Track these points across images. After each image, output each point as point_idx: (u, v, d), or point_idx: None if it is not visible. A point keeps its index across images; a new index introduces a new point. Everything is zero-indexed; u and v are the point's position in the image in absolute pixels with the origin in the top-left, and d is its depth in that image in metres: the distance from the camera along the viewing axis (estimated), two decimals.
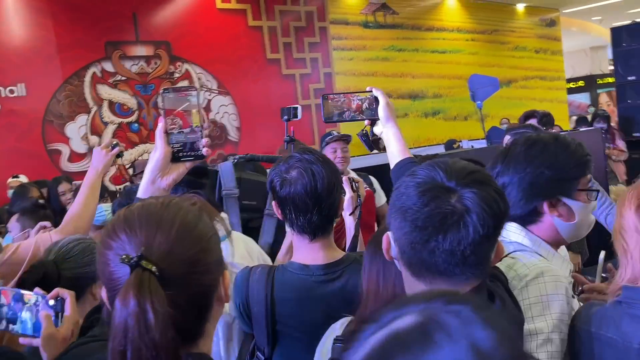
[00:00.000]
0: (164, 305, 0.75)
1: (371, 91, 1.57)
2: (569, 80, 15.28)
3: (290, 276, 1.52)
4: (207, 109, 7.43)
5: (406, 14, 9.34)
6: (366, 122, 1.60)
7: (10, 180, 5.26)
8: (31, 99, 6.21)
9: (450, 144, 6.42)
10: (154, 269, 0.76)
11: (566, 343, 1.25)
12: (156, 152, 1.27)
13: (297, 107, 1.58)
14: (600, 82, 17.45)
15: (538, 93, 11.38)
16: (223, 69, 7.49)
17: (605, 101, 15.66)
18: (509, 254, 1.30)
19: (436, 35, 9.77)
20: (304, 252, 1.56)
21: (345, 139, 3.78)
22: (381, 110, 1.54)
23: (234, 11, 7.63)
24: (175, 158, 1.24)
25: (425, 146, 8.27)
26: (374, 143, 2.31)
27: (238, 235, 2.14)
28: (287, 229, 1.61)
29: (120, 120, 6.81)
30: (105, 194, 4.75)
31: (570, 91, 15.01)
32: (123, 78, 6.83)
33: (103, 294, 0.87)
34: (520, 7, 11.01)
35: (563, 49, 12.52)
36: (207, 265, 0.85)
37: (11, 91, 6.10)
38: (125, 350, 0.73)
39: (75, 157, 6.50)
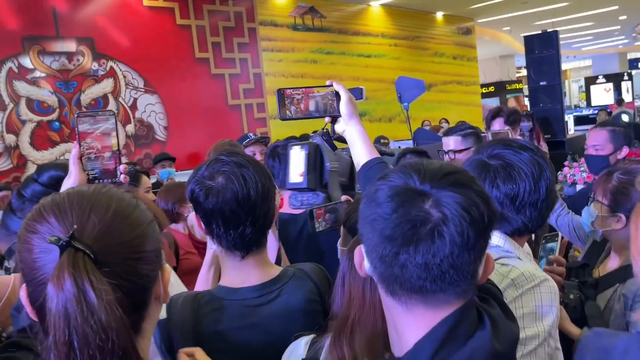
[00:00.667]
0: (105, 283, 0.66)
1: (331, 85, 1.43)
2: (481, 86, 16.09)
3: (218, 304, 1.29)
4: (134, 107, 7.15)
5: (333, 18, 9.43)
6: (327, 119, 1.45)
7: None
8: None
9: (378, 140, 6.51)
10: (87, 250, 0.68)
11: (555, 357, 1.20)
12: (69, 179, 1.17)
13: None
14: (509, 87, 18.69)
15: (455, 97, 11.85)
16: (150, 68, 7.23)
17: (513, 105, 16.69)
18: (497, 259, 1.22)
19: (362, 39, 9.92)
20: (234, 272, 1.33)
21: (264, 141, 3.67)
22: (343, 106, 1.41)
23: (161, 9, 7.38)
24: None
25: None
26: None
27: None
28: (212, 246, 1.37)
29: (39, 118, 6.40)
30: None
31: (482, 96, 15.80)
32: (43, 74, 6.43)
33: (22, 294, 0.75)
34: (439, 16, 11.41)
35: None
36: (144, 253, 0.77)
37: None
38: (71, 340, 0.64)
39: None
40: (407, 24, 10.69)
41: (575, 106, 22.60)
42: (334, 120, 1.45)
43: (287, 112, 1.39)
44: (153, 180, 4.94)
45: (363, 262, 0.83)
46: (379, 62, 10.16)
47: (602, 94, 20.33)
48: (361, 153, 1.42)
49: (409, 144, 5.72)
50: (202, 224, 1.31)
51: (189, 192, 1.30)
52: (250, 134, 3.81)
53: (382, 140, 6.37)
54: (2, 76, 6.12)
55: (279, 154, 2.36)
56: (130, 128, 7.12)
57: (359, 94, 1.55)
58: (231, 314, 1.27)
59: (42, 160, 6.32)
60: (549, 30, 6.53)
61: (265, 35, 8.46)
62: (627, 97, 19.79)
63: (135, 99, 7.15)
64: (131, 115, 7.12)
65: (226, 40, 7.99)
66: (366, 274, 0.84)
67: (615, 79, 21.02)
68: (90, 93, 6.78)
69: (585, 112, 17.24)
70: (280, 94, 1.39)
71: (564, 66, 24.26)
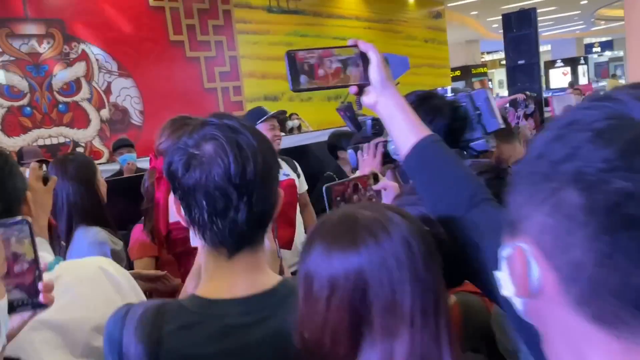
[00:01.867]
0: None
1: (356, 46, 1.05)
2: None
3: (189, 320, 0.91)
4: (108, 91, 6.80)
5: (308, 1, 9.17)
6: (351, 89, 1.05)
7: None
8: None
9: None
10: None
11: None
12: None
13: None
14: (474, 71, 18.92)
15: (427, 79, 11.70)
16: (124, 50, 6.87)
17: (478, 88, 17.00)
18: None
19: (336, 22, 9.69)
20: (216, 277, 0.96)
21: (282, 114, 3.31)
22: (375, 72, 1.02)
23: None
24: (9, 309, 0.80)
25: (330, 128, 8.16)
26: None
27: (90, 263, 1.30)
28: (195, 239, 0.98)
29: (10, 103, 6.01)
30: None
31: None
32: (12, 58, 6.03)
33: None
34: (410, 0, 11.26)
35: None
36: None
37: None
38: None
39: None
40: (380, 7, 10.50)
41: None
42: (361, 90, 1.05)
43: (300, 81, 1.03)
44: (116, 167, 4.65)
45: (529, 269, 0.45)
46: None
47: (560, 78, 20.61)
48: (405, 130, 1.00)
49: None
50: (182, 209, 0.95)
51: (165, 165, 0.94)
52: (263, 106, 3.20)
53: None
54: None
55: None
56: (104, 113, 6.78)
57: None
58: (205, 334, 0.90)
59: (14, 147, 5.95)
60: (526, 8, 6.39)
61: (241, 17, 8.16)
62: (583, 79, 20.21)
63: (109, 83, 6.80)
64: (105, 100, 6.78)
65: (201, 22, 7.66)
66: (527, 292, 0.46)
67: (572, 63, 21.39)
68: (62, 77, 6.41)
69: (545, 95, 17.50)
70: (291, 58, 1.02)
71: None
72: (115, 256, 2.12)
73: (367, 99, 1.05)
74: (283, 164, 3.07)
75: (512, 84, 6.57)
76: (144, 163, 4.75)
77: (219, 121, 0.92)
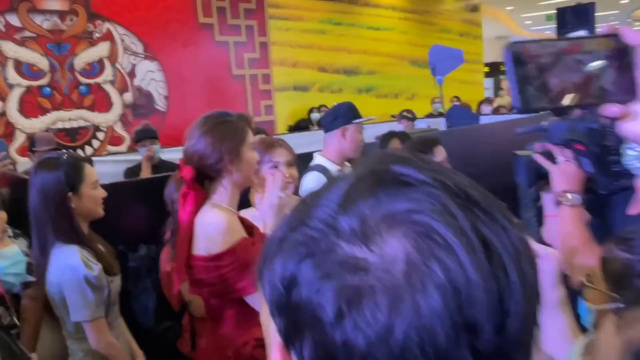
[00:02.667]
0: None
1: (613, 35, 0.57)
2: None
3: None
4: (132, 74, 6.36)
5: None
6: (608, 111, 0.57)
7: None
8: None
9: (401, 114, 5.68)
10: None
11: None
12: None
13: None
14: (503, 69, 18.16)
15: (460, 75, 11.06)
16: (150, 32, 6.41)
17: (507, 86, 16.54)
18: None
19: (371, 11, 9.12)
20: None
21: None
22: None
23: None
24: None
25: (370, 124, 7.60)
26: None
27: None
28: None
29: (29, 83, 5.60)
30: None
31: None
32: (32, 35, 5.61)
33: None
34: None
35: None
36: None
37: None
38: None
39: None
40: None
41: None
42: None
43: (529, 95, 0.57)
44: (138, 157, 4.17)
45: None
46: (387, 36, 9.38)
47: None
48: None
49: (441, 122, 4.99)
50: None
51: (275, 283, 0.41)
52: (354, 105, 2.64)
53: (404, 114, 5.58)
54: None
55: None
56: (128, 96, 6.35)
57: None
58: None
59: (31, 129, 5.56)
60: (584, 3, 5.76)
61: (273, 1, 7.66)
62: None
63: (134, 65, 6.36)
64: (129, 83, 6.35)
65: (232, 5, 7.17)
66: None
67: None
68: (85, 57, 5.98)
69: None
70: (516, 55, 0.56)
71: None
72: (89, 283, 1.74)
73: (634, 126, 0.55)
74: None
75: None
76: (167, 154, 4.31)
77: (416, 169, 0.38)
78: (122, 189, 2.29)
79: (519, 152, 1.31)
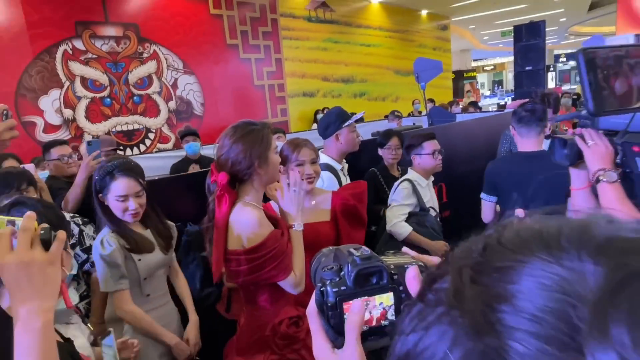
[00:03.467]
0: None
1: None
2: None
3: None
4: (174, 86, 6.21)
5: (341, 12, 8.37)
6: None
7: None
8: (2, 74, 4.73)
9: (393, 113, 5.49)
10: None
11: None
12: None
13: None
14: (466, 75, 18.02)
15: (433, 81, 10.90)
16: (188, 52, 6.24)
17: (467, 89, 16.37)
18: None
19: (363, 31, 8.90)
20: None
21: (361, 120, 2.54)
22: None
23: None
24: None
25: (359, 123, 7.45)
26: None
27: None
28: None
29: (92, 95, 5.46)
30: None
31: None
32: (94, 56, 5.45)
33: None
34: (423, 13, 10.34)
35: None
36: None
37: None
38: None
39: (50, 128, 5.14)
40: (398, 19, 9.63)
41: (511, 89, 22.13)
42: None
43: (603, 98, 0.48)
44: (182, 153, 4.01)
45: None
46: (376, 51, 9.17)
47: None
48: None
49: (424, 120, 4.85)
50: None
51: None
52: (344, 109, 2.33)
53: (395, 113, 5.42)
54: (59, 57, 5.16)
55: None
56: (172, 104, 6.20)
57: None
58: None
59: (96, 132, 5.43)
60: (536, 20, 5.54)
61: (285, 25, 7.44)
62: (551, 83, 19.16)
63: (176, 79, 6.20)
64: (172, 93, 6.19)
65: (253, 29, 6.97)
66: None
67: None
68: (137, 73, 5.82)
69: None
70: (588, 61, 0.49)
71: (503, 59, 23.30)
72: (104, 260, 1.59)
73: None
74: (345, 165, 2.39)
75: (519, 87, 5.80)
76: (205, 150, 4.17)
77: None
78: (178, 180, 2.20)
79: (561, 136, 1.18)
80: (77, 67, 5.32)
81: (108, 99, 5.59)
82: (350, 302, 0.45)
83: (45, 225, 0.74)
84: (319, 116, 7.48)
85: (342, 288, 0.46)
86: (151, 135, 5.99)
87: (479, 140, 3.34)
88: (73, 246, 1.98)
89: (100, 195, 1.62)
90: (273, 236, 1.37)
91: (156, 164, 4.06)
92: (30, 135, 4.97)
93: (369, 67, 9.02)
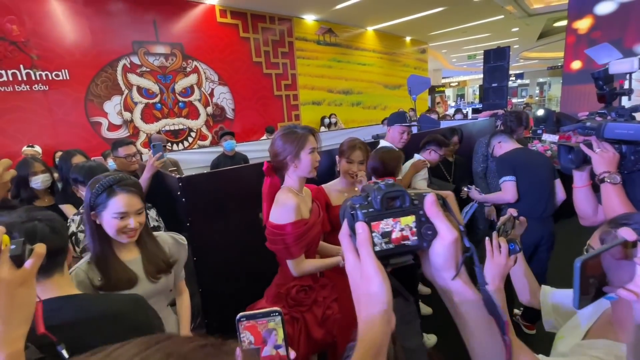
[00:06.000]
0: None
1: None
2: None
3: None
4: (211, 95, 6.06)
5: (343, 37, 8.17)
6: None
7: (25, 148, 3.62)
8: (73, 82, 4.59)
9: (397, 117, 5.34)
10: None
11: None
12: None
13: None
14: (437, 89, 17.79)
15: None
16: (222, 67, 6.07)
17: (437, 101, 16.14)
18: None
19: (360, 53, 8.70)
20: None
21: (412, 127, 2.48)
22: None
23: (229, 25, 6.13)
24: None
25: (358, 127, 7.37)
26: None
27: None
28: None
29: (146, 100, 5.31)
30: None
31: None
32: (147, 69, 5.29)
33: None
34: (407, 39, 10.09)
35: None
36: None
37: (56, 75, 4.46)
38: None
39: (112, 127, 5.01)
40: (388, 44, 9.41)
41: (471, 102, 21.90)
42: None
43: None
44: (219, 149, 3.92)
45: None
46: (370, 69, 8.99)
47: None
48: None
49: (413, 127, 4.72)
50: None
51: None
52: (404, 113, 2.40)
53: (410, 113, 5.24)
54: (119, 70, 5.01)
55: None
56: (209, 109, 6.05)
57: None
58: None
59: (149, 131, 5.29)
60: (502, 47, 5.37)
61: (299, 47, 7.24)
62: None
63: (213, 89, 6.04)
64: (210, 100, 6.03)
65: (273, 49, 6.79)
66: None
67: None
68: (182, 84, 5.66)
69: (478, 107, 16.55)
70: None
71: (466, 77, 22.97)
72: None
73: None
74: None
75: (487, 100, 5.65)
76: (238, 147, 4.04)
77: None
78: (220, 174, 2.08)
79: (566, 143, 1.10)
80: (134, 78, 5.16)
81: (159, 104, 5.44)
82: (377, 222, 0.43)
83: (18, 239, 0.51)
84: (325, 121, 7.35)
85: (370, 210, 0.43)
86: (193, 134, 5.86)
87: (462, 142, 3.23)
88: None
89: (94, 212, 1.16)
90: (299, 223, 1.33)
91: (196, 158, 3.97)
92: (97, 133, 4.85)
93: (364, 81, 8.85)
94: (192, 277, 2.04)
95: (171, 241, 1.35)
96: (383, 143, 2.41)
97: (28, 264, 0.49)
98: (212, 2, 5.76)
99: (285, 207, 1.31)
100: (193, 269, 1.98)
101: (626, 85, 1.17)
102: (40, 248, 0.51)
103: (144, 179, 2.11)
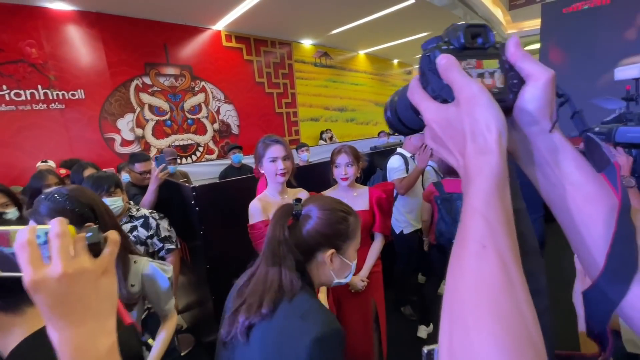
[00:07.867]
0: None
1: None
2: None
3: None
4: (218, 112, 6.00)
5: (337, 60, 8.23)
6: None
7: (39, 164, 3.46)
8: (89, 101, 4.50)
9: (384, 132, 5.35)
10: None
11: None
12: None
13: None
14: None
15: None
16: (228, 87, 6.03)
17: None
18: None
19: (353, 74, 8.78)
20: None
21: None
22: None
23: (234, 48, 6.11)
24: None
25: (353, 140, 7.30)
26: None
27: None
28: None
29: (157, 118, 5.22)
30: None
31: None
32: (158, 89, 5.21)
33: None
34: (395, 62, 10.21)
35: None
36: None
37: (73, 94, 4.36)
38: None
39: (125, 143, 4.90)
40: (378, 66, 9.52)
41: None
42: None
43: None
44: (227, 161, 3.86)
45: None
46: (362, 88, 9.05)
47: None
48: None
49: (402, 138, 4.67)
50: None
51: None
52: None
53: (384, 132, 5.24)
54: (132, 89, 4.93)
55: None
56: (216, 126, 5.97)
57: None
58: None
59: (159, 146, 5.18)
60: None
61: (298, 68, 7.26)
62: None
63: (219, 107, 5.97)
64: (216, 117, 5.96)
65: (275, 70, 6.78)
66: None
67: None
68: (190, 102, 5.58)
69: None
70: None
71: None
72: None
73: None
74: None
75: None
76: (246, 159, 3.94)
77: None
78: (230, 183, 1.98)
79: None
80: (145, 97, 5.07)
81: (169, 121, 5.34)
82: (459, 61, 0.33)
83: (91, 225, 0.42)
84: (324, 135, 7.31)
85: (450, 47, 0.34)
86: (200, 149, 5.76)
87: None
88: (151, 237, 1.77)
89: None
90: (259, 225, 1.39)
91: (205, 170, 3.89)
92: (110, 148, 4.72)
93: (356, 100, 8.89)
94: (205, 285, 1.91)
95: (146, 273, 1.12)
96: (399, 150, 2.42)
97: (106, 251, 0.42)
98: (219, 27, 5.75)
99: (250, 210, 1.41)
100: (206, 277, 1.86)
101: (632, 91, 1.10)
102: (114, 234, 0.42)
103: (150, 191, 2.03)
